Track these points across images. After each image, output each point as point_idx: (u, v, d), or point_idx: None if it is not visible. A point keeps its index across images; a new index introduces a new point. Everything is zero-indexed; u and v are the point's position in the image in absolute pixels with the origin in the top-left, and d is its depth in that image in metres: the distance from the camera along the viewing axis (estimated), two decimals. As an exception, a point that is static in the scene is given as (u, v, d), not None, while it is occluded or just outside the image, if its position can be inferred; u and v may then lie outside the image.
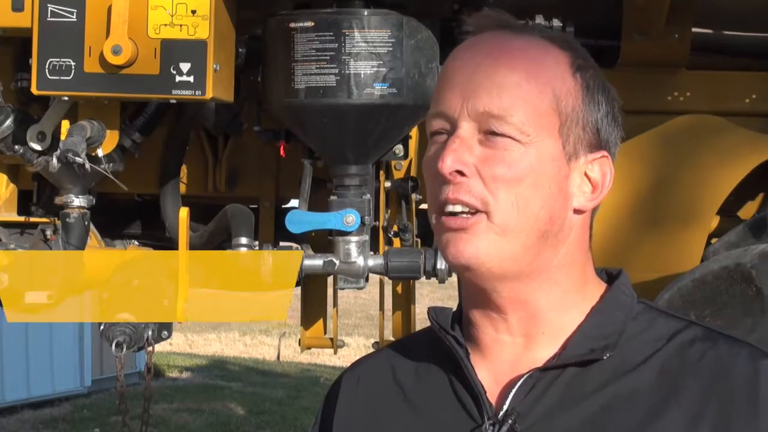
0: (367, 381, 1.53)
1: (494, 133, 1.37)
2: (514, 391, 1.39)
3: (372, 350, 2.50)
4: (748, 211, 3.44)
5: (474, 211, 1.37)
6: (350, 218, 3.27)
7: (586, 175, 1.42)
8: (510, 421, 1.37)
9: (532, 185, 1.37)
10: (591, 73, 1.43)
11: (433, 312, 1.48)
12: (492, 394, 1.41)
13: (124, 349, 3.38)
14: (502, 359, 1.43)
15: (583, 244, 1.44)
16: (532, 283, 1.41)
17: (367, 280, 3.40)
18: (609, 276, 1.49)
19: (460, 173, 1.37)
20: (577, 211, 1.42)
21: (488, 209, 1.37)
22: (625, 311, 1.44)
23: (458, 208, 1.37)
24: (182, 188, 3.71)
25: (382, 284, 3.94)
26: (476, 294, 1.43)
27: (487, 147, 1.38)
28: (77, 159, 3.04)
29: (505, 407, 1.39)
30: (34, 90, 3.03)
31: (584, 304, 1.43)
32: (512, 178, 1.37)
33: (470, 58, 1.41)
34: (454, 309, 1.50)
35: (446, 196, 1.38)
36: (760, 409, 1.35)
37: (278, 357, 17.18)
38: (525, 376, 1.39)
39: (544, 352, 1.41)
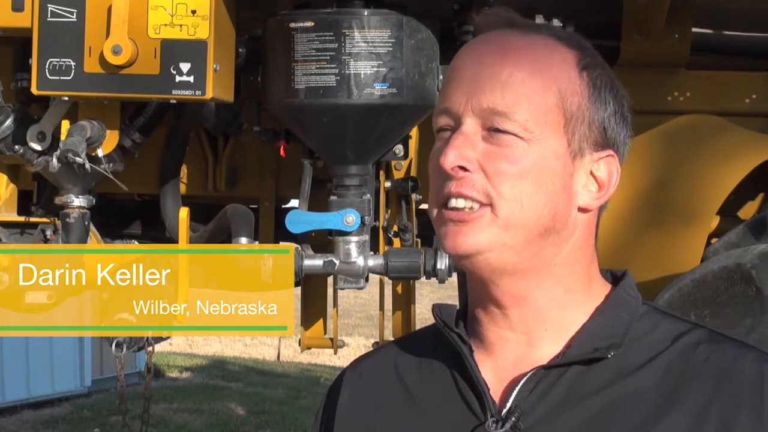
0: (370, 378, 1.53)
1: (498, 130, 1.37)
2: (517, 388, 1.39)
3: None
4: (748, 211, 3.43)
5: (477, 206, 1.37)
6: (350, 218, 3.27)
7: (591, 173, 1.42)
8: (513, 419, 1.37)
9: (536, 182, 1.37)
10: (598, 71, 1.43)
11: (438, 309, 1.47)
12: (495, 392, 1.41)
13: (124, 349, 3.38)
14: (506, 357, 1.43)
15: (588, 243, 1.44)
16: (532, 279, 1.40)
17: (367, 280, 3.39)
18: (614, 277, 1.48)
19: (463, 168, 1.37)
20: (582, 210, 1.42)
21: (492, 202, 1.37)
22: (629, 312, 1.43)
23: (461, 203, 1.37)
24: (182, 188, 3.71)
25: (382, 284, 3.93)
26: (478, 289, 1.43)
27: (490, 143, 1.38)
28: (77, 159, 3.04)
29: (508, 405, 1.39)
30: (34, 90, 3.03)
31: (588, 303, 1.43)
32: (515, 174, 1.37)
33: (476, 56, 1.41)
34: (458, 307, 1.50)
35: (449, 191, 1.37)
36: (765, 413, 1.34)
37: (278, 357, 17.16)
38: (529, 374, 1.39)
39: (547, 350, 1.41)
